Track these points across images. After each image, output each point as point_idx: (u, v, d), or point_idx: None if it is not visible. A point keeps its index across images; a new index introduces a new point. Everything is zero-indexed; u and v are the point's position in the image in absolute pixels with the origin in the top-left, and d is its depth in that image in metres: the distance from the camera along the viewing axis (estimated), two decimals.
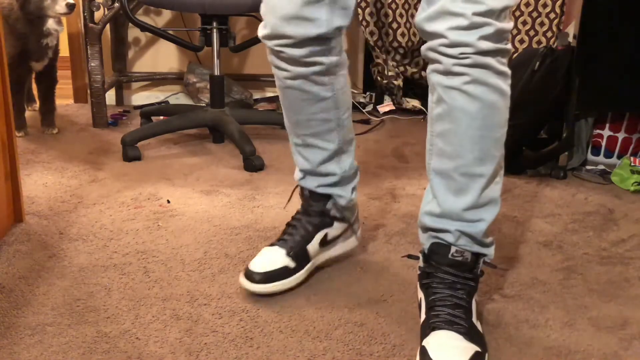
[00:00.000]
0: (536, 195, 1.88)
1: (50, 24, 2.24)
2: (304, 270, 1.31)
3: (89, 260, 1.41)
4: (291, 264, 1.29)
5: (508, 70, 1.05)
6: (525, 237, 1.59)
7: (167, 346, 1.11)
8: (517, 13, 2.77)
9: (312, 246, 1.33)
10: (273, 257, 1.29)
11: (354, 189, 1.36)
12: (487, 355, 1.09)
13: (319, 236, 1.33)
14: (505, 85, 1.06)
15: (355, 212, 1.40)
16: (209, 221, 1.63)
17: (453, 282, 1.11)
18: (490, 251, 1.15)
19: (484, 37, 1.00)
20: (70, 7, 2.18)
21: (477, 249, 1.13)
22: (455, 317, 1.08)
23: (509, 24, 1.02)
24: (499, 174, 1.12)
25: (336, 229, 1.36)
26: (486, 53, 1.01)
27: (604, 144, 2.13)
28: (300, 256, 1.30)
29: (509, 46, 1.04)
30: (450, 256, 1.11)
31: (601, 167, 2.10)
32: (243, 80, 2.88)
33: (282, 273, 1.27)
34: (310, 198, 1.34)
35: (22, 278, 1.32)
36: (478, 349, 1.07)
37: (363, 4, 2.71)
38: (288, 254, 1.29)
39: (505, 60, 1.05)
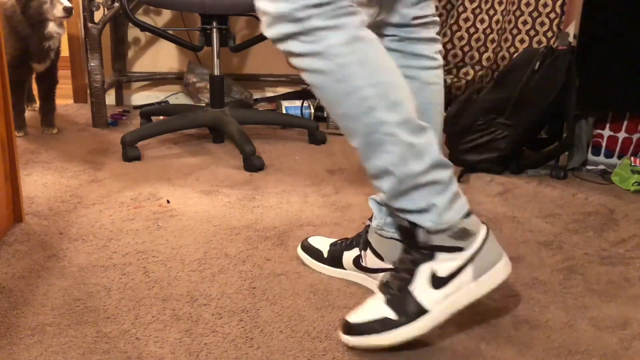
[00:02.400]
0: (536, 195, 1.88)
1: (52, 27, 2.25)
2: (331, 267, 1.36)
3: (88, 260, 1.40)
4: (325, 253, 1.37)
5: (316, 47, 0.97)
6: (525, 237, 1.59)
7: (167, 346, 1.11)
8: (518, 13, 2.77)
9: (347, 258, 1.33)
10: (323, 239, 1.41)
11: (389, 216, 1.25)
12: (404, 326, 1.06)
13: (352, 253, 1.33)
14: (320, 63, 0.98)
15: (394, 254, 1.25)
16: (208, 221, 1.63)
17: (404, 247, 1.12)
18: (421, 218, 1.05)
19: (265, 27, 1.00)
20: (68, 11, 2.20)
21: (409, 217, 1.07)
22: (389, 281, 1.10)
23: (274, 5, 0.96)
24: (380, 146, 1.02)
25: (368, 256, 1.31)
26: (276, 41, 1.00)
27: (604, 144, 2.13)
28: (334, 255, 1.36)
29: (297, 25, 0.96)
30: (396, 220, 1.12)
31: (601, 167, 2.10)
32: (243, 80, 2.88)
33: (315, 253, 1.39)
34: None
35: (22, 278, 1.32)
36: (389, 316, 1.07)
37: None
38: (331, 245, 1.38)
39: (309, 38, 0.97)
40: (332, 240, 1.40)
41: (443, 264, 1.07)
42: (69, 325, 1.16)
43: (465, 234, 1.07)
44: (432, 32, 1.23)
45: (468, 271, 1.07)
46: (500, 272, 1.10)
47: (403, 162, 1.02)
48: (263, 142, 2.32)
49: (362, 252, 1.30)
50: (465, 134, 2.09)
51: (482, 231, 1.09)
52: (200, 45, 2.29)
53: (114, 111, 2.74)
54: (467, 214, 1.07)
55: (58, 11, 2.20)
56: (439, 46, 1.24)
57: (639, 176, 1.95)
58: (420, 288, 1.07)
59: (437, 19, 1.24)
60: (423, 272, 1.07)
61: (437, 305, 1.07)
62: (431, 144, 1.03)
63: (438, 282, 1.07)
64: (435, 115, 1.23)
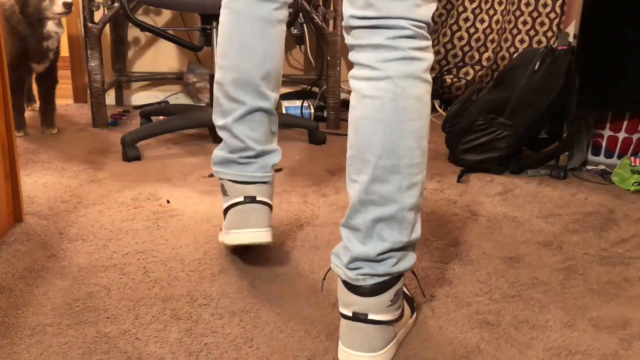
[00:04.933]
0: (536, 195, 1.88)
1: (51, 26, 2.25)
2: None
3: (88, 260, 1.40)
4: None
5: None
6: (525, 237, 1.59)
7: (167, 346, 1.11)
8: (518, 13, 2.77)
9: None
10: None
11: None
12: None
13: None
14: None
15: None
16: (208, 221, 1.63)
17: None
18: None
19: None
20: (68, 7, 2.19)
21: None
22: None
23: None
24: None
25: None
26: None
27: (604, 144, 2.13)
28: None
29: None
30: None
31: (601, 167, 2.10)
32: None
33: None
34: None
35: (22, 278, 1.32)
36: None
37: None
38: None
39: None
40: None
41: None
42: (69, 325, 1.16)
43: (223, 191, 1.36)
44: (381, 38, 0.98)
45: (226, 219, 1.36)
46: (228, 237, 1.34)
47: None
48: None
49: None
50: (465, 134, 2.09)
51: (237, 199, 1.33)
52: (200, 45, 2.29)
53: (114, 111, 2.74)
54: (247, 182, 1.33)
55: (58, 7, 2.19)
56: (390, 54, 0.98)
57: (639, 176, 1.95)
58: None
59: (400, 22, 0.97)
60: None
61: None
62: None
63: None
64: (368, 134, 1.00)
